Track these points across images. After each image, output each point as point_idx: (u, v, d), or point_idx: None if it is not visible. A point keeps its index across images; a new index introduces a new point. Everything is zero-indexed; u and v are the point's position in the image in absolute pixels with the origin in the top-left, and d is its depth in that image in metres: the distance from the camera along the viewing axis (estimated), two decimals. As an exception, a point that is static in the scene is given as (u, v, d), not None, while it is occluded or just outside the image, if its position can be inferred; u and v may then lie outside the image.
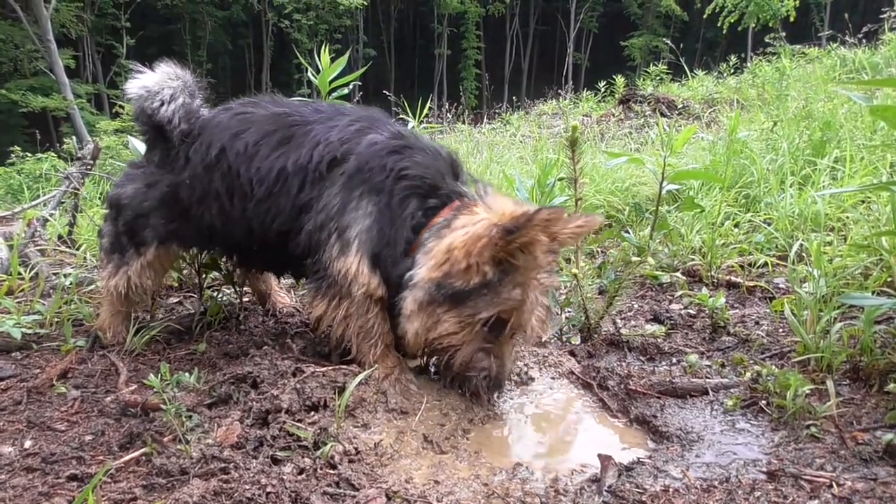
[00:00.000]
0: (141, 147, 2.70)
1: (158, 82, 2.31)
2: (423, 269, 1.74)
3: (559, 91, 15.63)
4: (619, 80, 12.43)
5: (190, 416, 1.76)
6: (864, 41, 9.39)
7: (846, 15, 11.55)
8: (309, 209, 1.97)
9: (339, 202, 1.92)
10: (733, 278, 3.13)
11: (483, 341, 1.79)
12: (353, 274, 1.86)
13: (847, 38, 9.12)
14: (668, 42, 12.54)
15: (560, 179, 2.59)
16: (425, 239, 1.79)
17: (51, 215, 3.83)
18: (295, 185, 1.98)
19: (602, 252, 3.94)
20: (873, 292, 2.27)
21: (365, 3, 41.98)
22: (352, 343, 1.98)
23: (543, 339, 2.47)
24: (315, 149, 1.97)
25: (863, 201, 3.30)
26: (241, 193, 2.09)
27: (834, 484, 1.46)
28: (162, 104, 2.26)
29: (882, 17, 8.61)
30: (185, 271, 3.03)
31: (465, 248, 1.67)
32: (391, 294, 1.89)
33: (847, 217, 3.25)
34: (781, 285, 2.95)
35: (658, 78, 13.95)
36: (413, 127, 3.64)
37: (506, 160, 6.70)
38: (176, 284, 3.16)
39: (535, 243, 1.68)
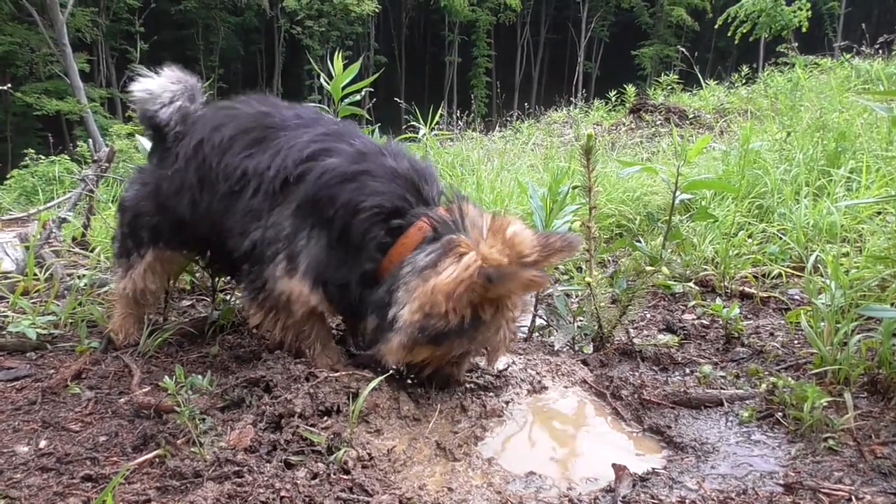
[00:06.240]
0: (149, 146, 2.73)
1: (161, 86, 2.36)
2: (406, 311, 1.70)
3: (570, 99, 15.63)
4: (630, 89, 12.43)
5: (203, 419, 1.76)
6: (880, 51, 9.34)
7: (863, 25, 11.48)
8: (258, 217, 1.97)
9: (291, 227, 1.91)
10: (747, 289, 3.11)
11: (451, 359, 1.87)
12: (295, 296, 1.92)
13: (864, 48, 9.07)
14: (683, 50, 12.50)
15: (574, 188, 2.58)
16: (406, 273, 1.73)
17: (66, 217, 3.86)
18: (250, 189, 1.99)
19: (613, 261, 3.93)
20: (891, 304, 2.24)
21: (377, 11, 42.30)
22: (291, 345, 2.10)
23: (557, 349, 2.46)
24: (275, 158, 1.96)
25: (879, 212, 3.27)
26: (209, 186, 2.10)
27: (853, 497, 1.44)
28: (161, 107, 2.32)
29: (897, 27, 8.57)
30: (197, 274, 3.05)
31: (447, 291, 1.64)
32: (347, 309, 1.97)
33: (863, 228, 3.23)
34: (796, 296, 2.92)
35: (669, 87, 13.92)
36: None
37: (517, 168, 6.69)
38: (188, 287, 3.18)
39: (514, 295, 1.73)
